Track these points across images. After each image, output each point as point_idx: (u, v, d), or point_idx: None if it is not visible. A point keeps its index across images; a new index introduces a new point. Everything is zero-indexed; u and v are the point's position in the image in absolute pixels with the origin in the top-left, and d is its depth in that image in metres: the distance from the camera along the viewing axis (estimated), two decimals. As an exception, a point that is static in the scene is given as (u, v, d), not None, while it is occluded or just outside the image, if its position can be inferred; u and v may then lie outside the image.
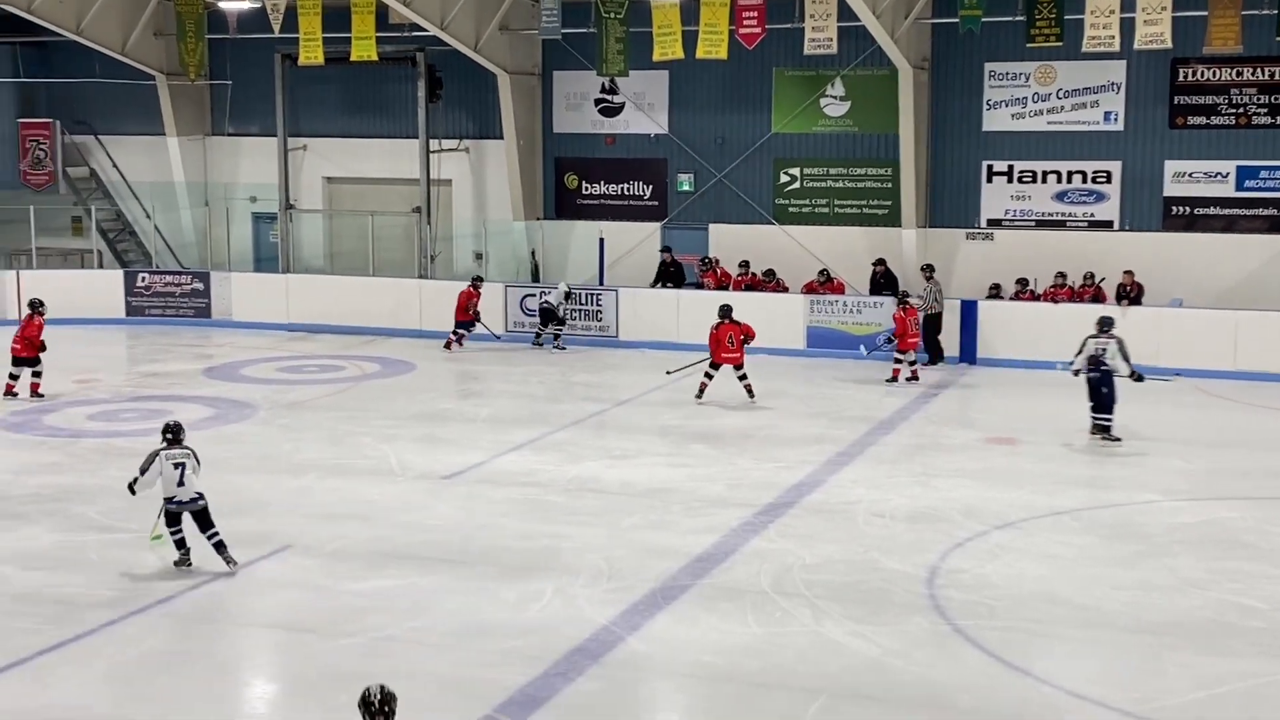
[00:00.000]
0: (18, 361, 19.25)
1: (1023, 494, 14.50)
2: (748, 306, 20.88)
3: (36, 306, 19.64)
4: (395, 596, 11.33)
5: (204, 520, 11.83)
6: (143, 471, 11.80)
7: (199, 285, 26.53)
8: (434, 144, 26.12)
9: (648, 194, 25.91)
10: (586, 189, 26.31)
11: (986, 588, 11.56)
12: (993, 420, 18.51)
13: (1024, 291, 22.87)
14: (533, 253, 26.31)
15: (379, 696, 6.92)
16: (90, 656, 10.07)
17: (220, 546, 11.84)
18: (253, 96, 27.53)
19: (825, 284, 23.61)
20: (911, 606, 11.08)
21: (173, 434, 11.97)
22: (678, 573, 11.91)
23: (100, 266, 27.75)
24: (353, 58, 24.45)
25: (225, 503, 14.00)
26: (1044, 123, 23.31)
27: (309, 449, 16.70)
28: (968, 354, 22.48)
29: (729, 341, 19.09)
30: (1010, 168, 23.67)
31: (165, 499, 11.81)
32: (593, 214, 26.14)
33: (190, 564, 11.86)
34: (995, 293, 23.27)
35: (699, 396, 19.20)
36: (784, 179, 24.94)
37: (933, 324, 22.32)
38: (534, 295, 24.52)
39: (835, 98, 24.44)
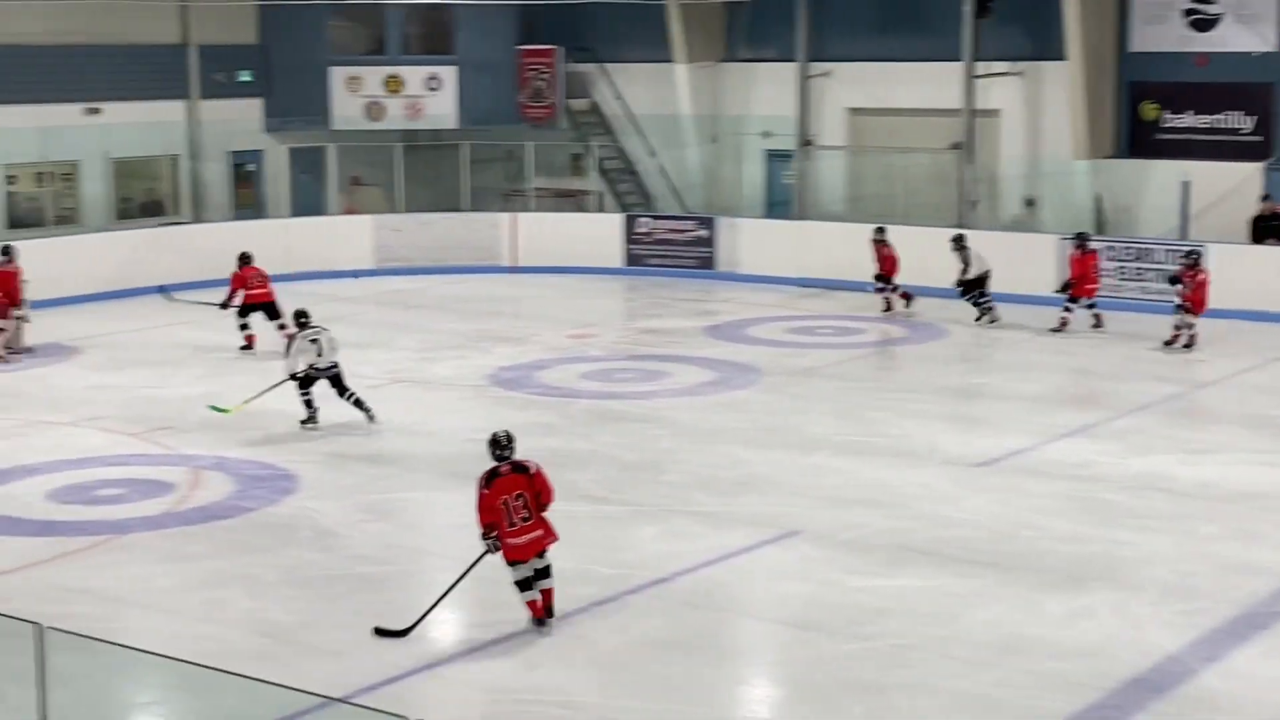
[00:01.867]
0: (246, 311, 20.90)
1: None
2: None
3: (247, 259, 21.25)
4: (917, 599, 11.39)
5: (339, 384, 16.32)
6: (287, 355, 16.52)
7: (703, 232, 27.57)
8: (980, 67, 25.84)
9: (1248, 127, 24.53)
10: (1169, 120, 25.24)
11: None
12: None
13: None
14: (1097, 199, 25.53)
15: (504, 438, 10.78)
16: (578, 638, 10.75)
17: (359, 403, 16.33)
18: (771, 16, 28.19)
19: None
20: None
21: (304, 317, 16.64)
22: (1268, 596, 11.32)
23: (600, 210, 29.39)
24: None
25: (726, 476, 14.60)
26: None
27: (820, 422, 17.04)
28: None
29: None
30: None
31: (306, 367, 16.22)
32: (1175, 151, 25.03)
33: (317, 424, 16.23)
34: None
35: None
36: None
37: None
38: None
39: None
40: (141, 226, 27.04)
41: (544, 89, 29.70)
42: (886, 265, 23.53)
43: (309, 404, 16.49)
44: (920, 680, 9.80)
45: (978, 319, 22.51)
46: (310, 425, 16.47)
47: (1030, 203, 26.34)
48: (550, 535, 10.70)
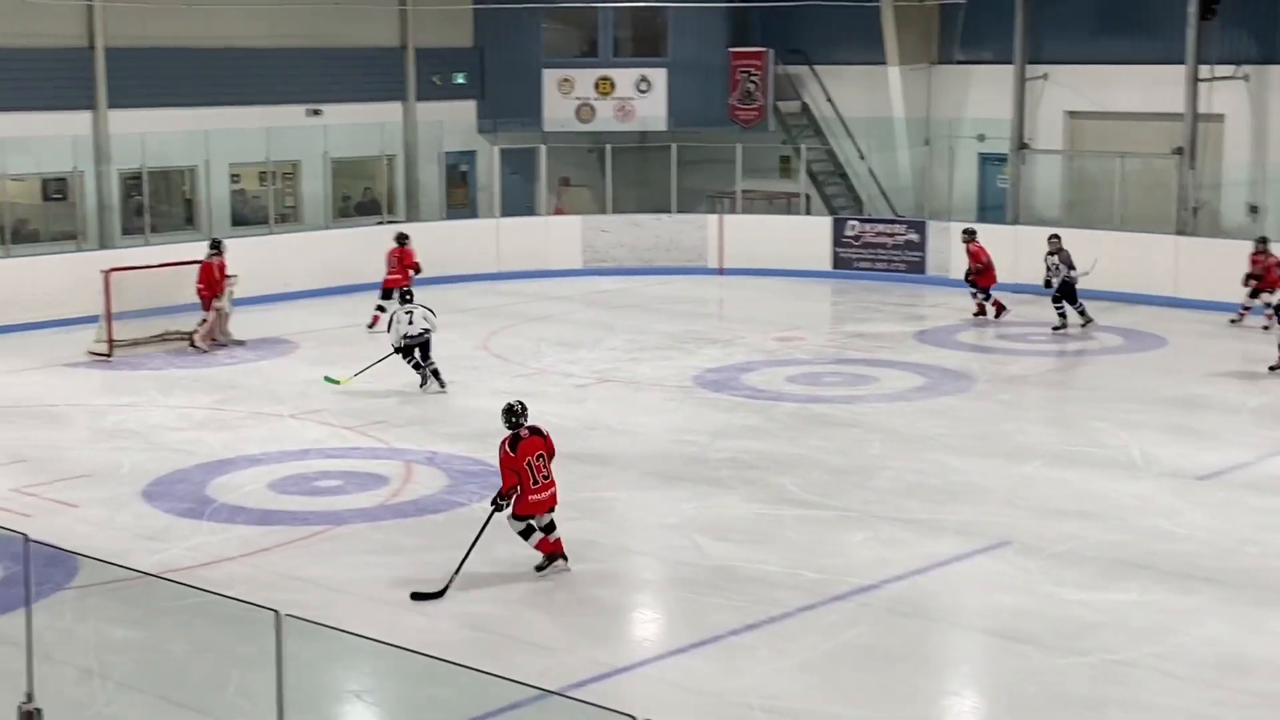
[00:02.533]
0: (387, 294, 21.73)
1: None
2: None
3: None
4: (1134, 614, 11.12)
5: (425, 351, 18.24)
6: (389, 330, 18.36)
7: (914, 236, 27.29)
8: (1204, 70, 25.12)
9: None
10: (1402, 125, 24.25)
11: None
12: None
13: None
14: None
15: (519, 406, 11.94)
16: (785, 642, 10.72)
17: (436, 373, 18.26)
18: (988, 17, 27.77)
19: None
20: None
21: (408, 296, 19.12)
22: None
23: (807, 212, 29.28)
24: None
25: (935, 484, 14.45)
26: None
27: (1033, 431, 16.77)
28: None
29: None
30: None
31: (403, 337, 18.10)
32: None
33: (440, 386, 18.22)
34: None
35: None
36: None
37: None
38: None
39: None
40: (358, 225, 27.74)
41: (754, 91, 29.69)
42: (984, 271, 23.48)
43: (417, 368, 18.45)
44: (1136, 697, 9.57)
45: (1057, 328, 22.34)
46: (432, 388, 18.31)
47: (1254, 209, 25.51)
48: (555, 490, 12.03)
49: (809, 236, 28.09)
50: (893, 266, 27.39)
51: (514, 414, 11.94)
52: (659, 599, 11.94)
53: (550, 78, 29.35)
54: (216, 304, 21.20)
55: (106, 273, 20.78)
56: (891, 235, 27.54)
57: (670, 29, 29.63)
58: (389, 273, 22.41)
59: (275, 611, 5.12)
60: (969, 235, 23.71)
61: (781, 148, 30.08)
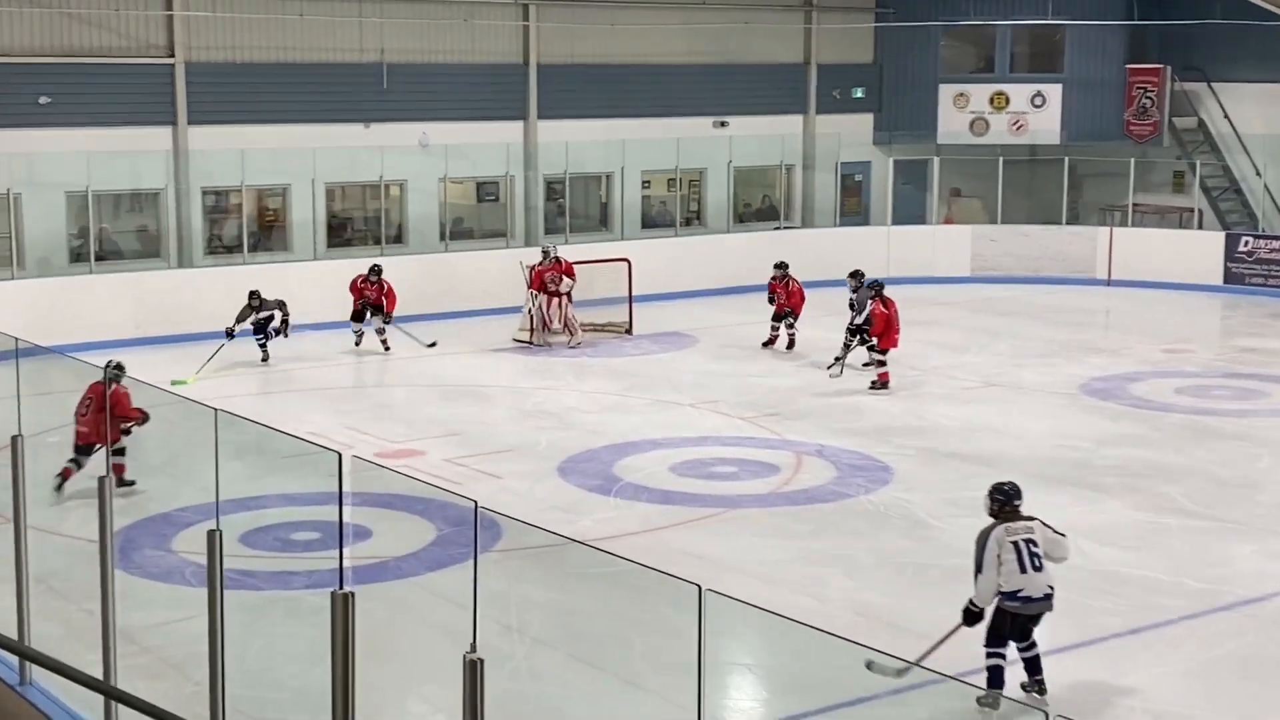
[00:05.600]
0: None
1: None
2: None
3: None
4: None
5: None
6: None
7: (1309, 253, 25.72)
8: None
9: None
10: None
11: None
12: None
13: None
14: None
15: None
16: (1167, 648, 10.28)
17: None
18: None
19: None
20: None
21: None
22: None
23: (1199, 227, 27.93)
24: None
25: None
26: None
27: None
28: None
29: None
30: None
31: None
32: None
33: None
34: None
35: None
36: None
37: None
38: None
39: None
40: (756, 230, 27.99)
41: (1149, 107, 28.57)
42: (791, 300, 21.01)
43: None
44: None
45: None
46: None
47: None
48: None
49: (1201, 251, 26.79)
50: (1287, 283, 25.87)
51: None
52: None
53: (946, 92, 28.94)
54: (537, 302, 21.26)
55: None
56: (1285, 252, 26.02)
57: (1067, 45, 28.80)
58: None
59: (698, 586, 5.21)
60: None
61: (1175, 163, 28.86)
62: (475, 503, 5.99)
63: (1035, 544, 9.12)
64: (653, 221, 27.50)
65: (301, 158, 23.13)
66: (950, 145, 28.98)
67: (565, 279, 21.33)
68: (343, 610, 6.27)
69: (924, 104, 28.94)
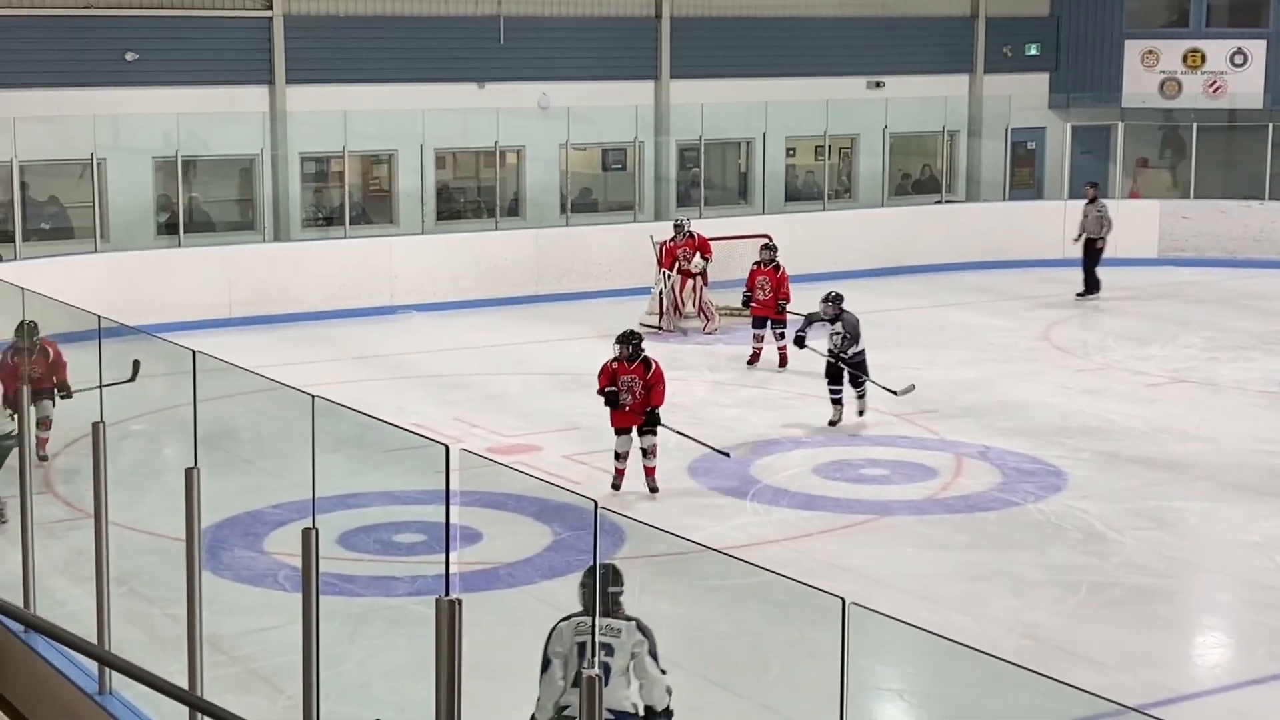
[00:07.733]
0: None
1: None
2: None
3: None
4: None
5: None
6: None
7: None
8: None
9: None
10: None
11: None
12: None
13: None
14: None
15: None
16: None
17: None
18: None
19: None
20: None
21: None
22: None
23: None
24: None
25: None
26: None
27: None
28: None
29: None
30: None
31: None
32: None
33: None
34: None
35: None
36: None
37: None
38: None
39: None
40: (915, 204, 27.76)
41: (1369, 65, 27.88)
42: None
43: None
44: None
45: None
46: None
47: None
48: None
49: None
50: None
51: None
52: (1231, 622, 11.38)
53: (1133, 49, 28.47)
54: (669, 283, 21.23)
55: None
56: None
57: (1274, -3, 28.23)
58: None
59: (841, 599, 5.16)
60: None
61: None
62: (596, 503, 6.00)
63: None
64: (798, 193, 27.40)
65: (409, 121, 23.37)
66: (1137, 109, 28.52)
67: (699, 257, 21.32)
68: (448, 619, 6.30)
69: (1107, 63, 28.53)
